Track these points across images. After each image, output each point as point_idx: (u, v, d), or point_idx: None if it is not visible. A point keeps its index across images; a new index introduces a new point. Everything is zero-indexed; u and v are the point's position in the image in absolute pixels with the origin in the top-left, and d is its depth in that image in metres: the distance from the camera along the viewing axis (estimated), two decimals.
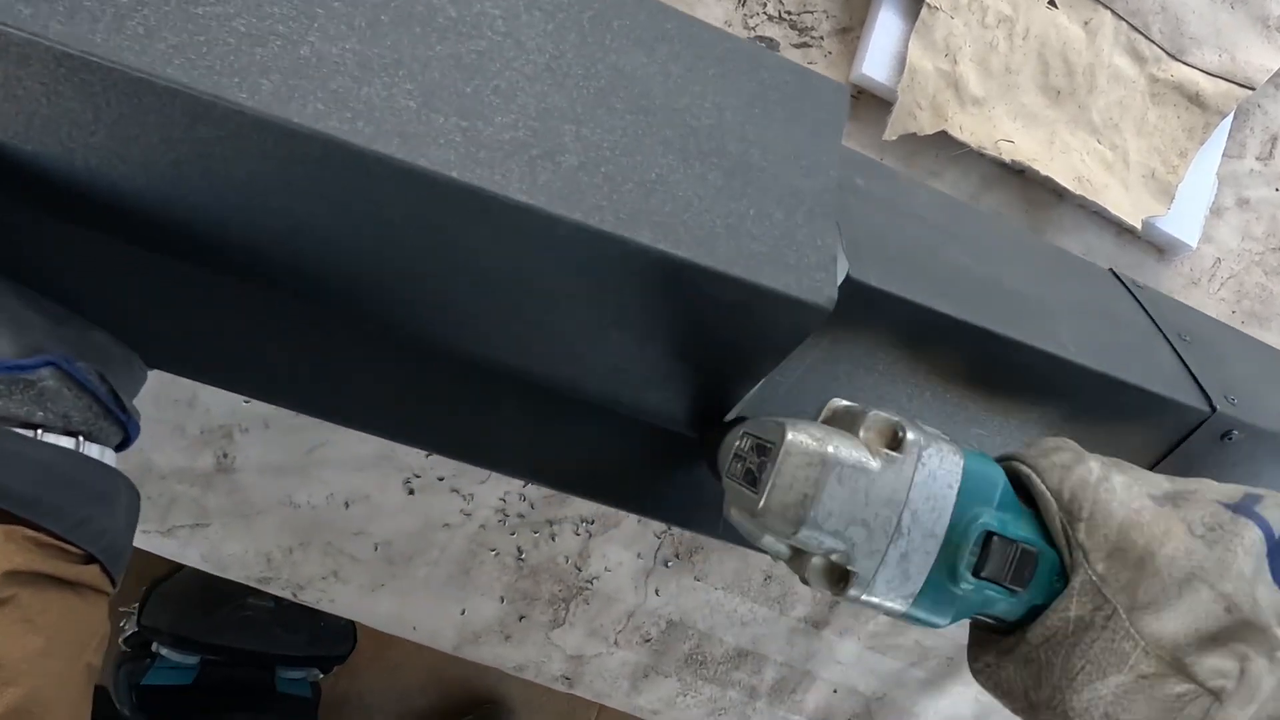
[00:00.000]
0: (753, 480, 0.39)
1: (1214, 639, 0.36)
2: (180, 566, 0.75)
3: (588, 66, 0.42)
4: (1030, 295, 0.54)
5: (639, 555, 0.77)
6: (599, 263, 0.40)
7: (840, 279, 0.44)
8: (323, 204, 0.40)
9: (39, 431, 0.40)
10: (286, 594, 0.70)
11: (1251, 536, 0.38)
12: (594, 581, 0.76)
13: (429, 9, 0.40)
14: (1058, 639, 0.38)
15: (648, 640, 0.78)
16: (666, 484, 0.52)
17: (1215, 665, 0.36)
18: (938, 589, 0.38)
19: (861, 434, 0.40)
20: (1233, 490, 0.41)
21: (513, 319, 0.46)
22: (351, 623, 0.90)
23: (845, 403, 0.42)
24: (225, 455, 0.67)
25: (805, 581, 0.39)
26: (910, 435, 0.39)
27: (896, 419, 0.40)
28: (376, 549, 0.71)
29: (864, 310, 0.47)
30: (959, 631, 0.85)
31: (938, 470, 0.39)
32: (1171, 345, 0.59)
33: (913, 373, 0.51)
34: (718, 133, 0.44)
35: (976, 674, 0.42)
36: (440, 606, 0.73)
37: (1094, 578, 0.38)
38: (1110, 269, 0.69)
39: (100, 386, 0.43)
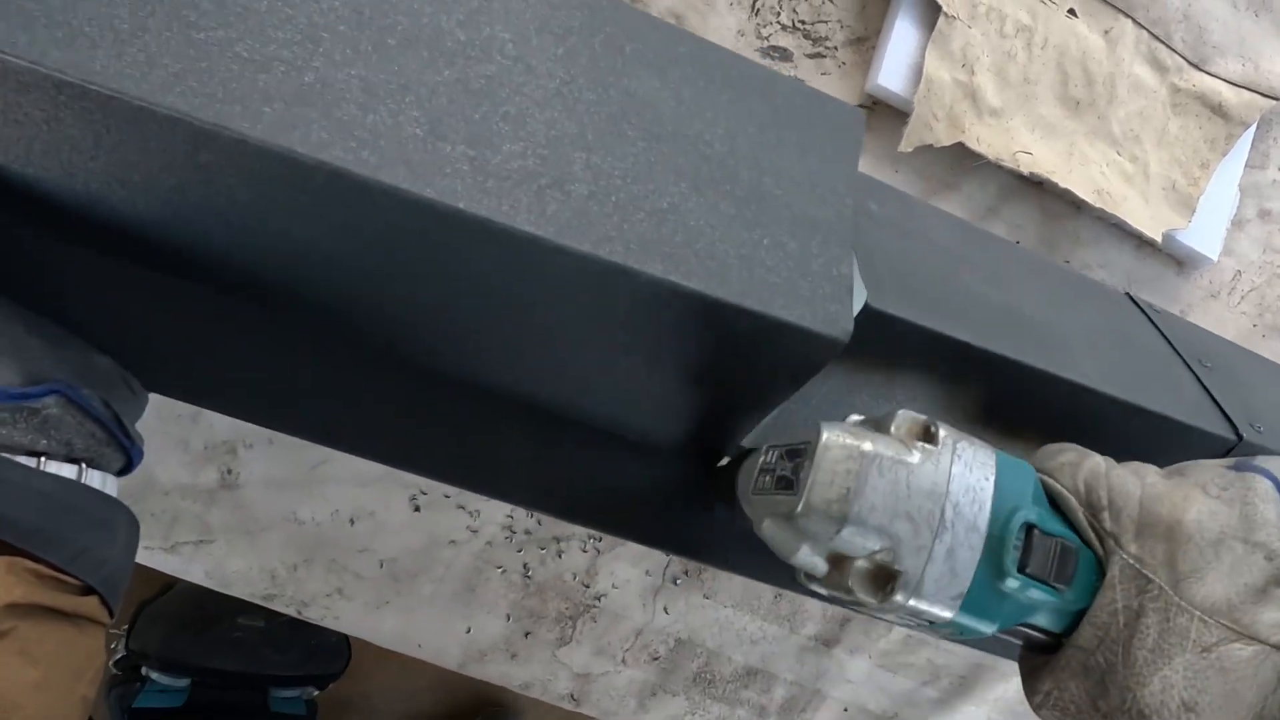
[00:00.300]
0: (788, 485, 0.39)
1: (1263, 591, 0.36)
2: (169, 586, 0.75)
3: (599, 91, 0.41)
4: (1049, 321, 0.53)
5: (647, 572, 0.76)
6: (609, 293, 0.39)
7: (858, 308, 0.43)
8: (327, 230, 0.39)
9: (42, 459, 0.40)
10: (291, 611, 0.69)
11: (1263, 486, 0.38)
12: (601, 599, 0.75)
13: (437, 32, 0.39)
14: (1112, 636, 0.37)
15: (656, 658, 0.77)
16: (673, 514, 0.51)
17: (1273, 619, 0.35)
18: (984, 589, 0.37)
19: (892, 431, 0.39)
20: (1225, 459, 0.41)
21: (520, 345, 0.45)
22: (345, 639, 0.90)
23: (860, 415, 0.42)
24: (229, 471, 0.67)
25: (848, 593, 0.38)
26: (943, 430, 0.39)
27: (925, 416, 0.39)
28: (382, 566, 0.71)
29: (882, 338, 0.46)
30: (971, 650, 0.84)
31: (973, 462, 0.39)
32: (1193, 372, 0.58)
33: (932, 401, 0.50)
34: (731, 159, 0.43)
35: (1039, 709, 0.41)
36: (445, 624, 0.72)
37: (1131, 560, 0.38)
38: (1127, 293, 0.68)
39: (104, 413, 0.42)
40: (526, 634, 0.74)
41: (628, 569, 0.75)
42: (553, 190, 0.38)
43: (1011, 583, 0.37)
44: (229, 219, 0.39)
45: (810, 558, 0.38)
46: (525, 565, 0.73)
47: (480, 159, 0.37)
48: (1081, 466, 0.41)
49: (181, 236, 0.41)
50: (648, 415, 0.49)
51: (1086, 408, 0.51)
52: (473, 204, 0.36)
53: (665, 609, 0.76)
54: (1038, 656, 0.41)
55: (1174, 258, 0.92)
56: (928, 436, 0.39)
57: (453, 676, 1.43)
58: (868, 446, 0.37)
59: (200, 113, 0.34)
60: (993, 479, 0.38)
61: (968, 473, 0.38)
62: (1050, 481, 0.41)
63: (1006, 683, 0.85)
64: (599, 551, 0.74)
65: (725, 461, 0.48)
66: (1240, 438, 0.54)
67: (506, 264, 0.39)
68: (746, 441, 0.48)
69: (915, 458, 0.38)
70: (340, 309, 0.44)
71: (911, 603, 0.37)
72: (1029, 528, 0.38)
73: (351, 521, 0.69)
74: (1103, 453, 0.50)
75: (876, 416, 0.41)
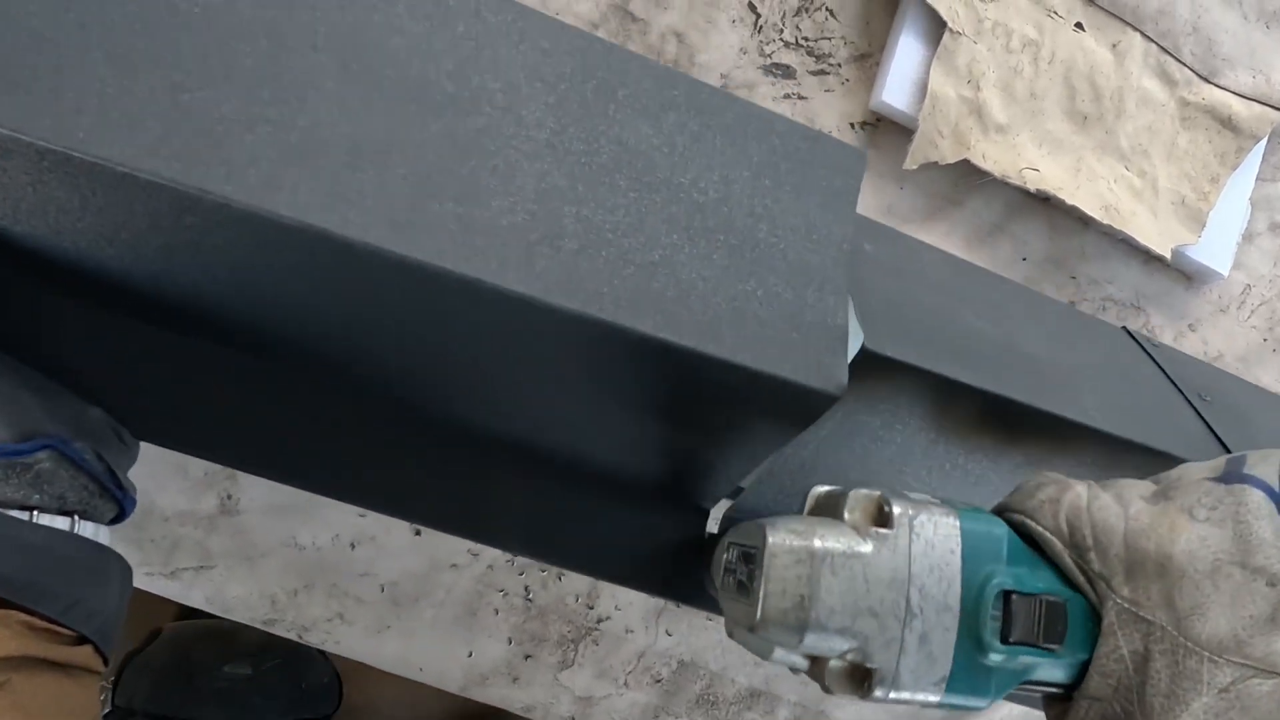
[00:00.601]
0: (745, 592, 0.37)
1: (1271, 620, 0.34)
2: (154, 637, 0.75)
3: (590, 141, 0.41)
4: (1048, 359, 0.52)
5: (649, 595, 0.76)
6: (599, 348, 0.39)
7: (855, 351, 0.43)
8: (315, 288, 0.39)
9: (34, 513, 0.40)
10: (291, 635, 0.69)
11: (1254, 499, 0.36)
12: (603, 622, 0.75)
13: (425, 84, 0.39)
14: (1124, 684, 0.35)
15: (658, 681, 0.77)
16: (668, 561, 0.51)
17: None
18: (969, 667, 0.36)
19: (846, 517, 0.38)
20: (1215, 463, 0.39)
21: (511, 396, 0.45)
22: (336, 678, 0.90)
23: (825, 488, 0.40)
24: (229, 497, 0.67)
25: (828, 690, 0.37)
26: (897, 508, 0.37)
27: (878, 493, 0.38)
28: (383, 590, 0.71)
29: (880, 382, 0.46)
30: None
31: (934, 538, 0.37)
32: (1193, 406, 0.57)
33: (933, 444, 0.50)
34: (724, 207, 0.42)
35: None
36: (447, 648, 0.72)
37: (1125, 604, 0.36)
38: (1124, 327, 0.68)
39: (96, 465, 0.42)
40: (528, 657, 0.74)
41: (629, 592, 0.75)
42: (542, 246, 0.38)
43: (995, 656, 0.35)
44: (217, 276, 0.39)
45: (787, 657, 0.37)
46: (526, 588, 0.73)
47: (468, 216, 0.37)
48: (1062, 503, 0.38)
49: (170, 291, 0.41)
50: (643, 462, 0.48)
51: (1090, 445, 0.50)
52: (460, 264, 0.36)
53: (668, 631, 0.76)
54: (1058, 704, 0.39)
55: (1183, 272, 0.91)
56: (882, 517, 0.37)
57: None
58: (817, 544, 0.36)
59: (184, 177, 0.34)
60: (958, 550, 0.36)
61: (930, 551, 0.36)
62: (1030, 524, 0.39)
63: (999, 710, 0.85)
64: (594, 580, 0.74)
65: (705, 548, 0.48)
66: None
67: (495, 321, 0.38)
68: (745, 484, 0.48)
69: (869, 547, 0.36)
70: (329, 360, 0.44)
71: (893, 695, 0.36)
72: (1007, 594, 0.36)
73: (352, 546, 0.70)
74: None
75: (834, 496, 0.39)
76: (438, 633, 0.72)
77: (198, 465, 0.66)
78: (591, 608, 0.74)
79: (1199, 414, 0.56)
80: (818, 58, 0.79)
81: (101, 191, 0.35)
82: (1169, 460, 0.51)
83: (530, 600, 0.73)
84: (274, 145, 0.36)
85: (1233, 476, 0.37)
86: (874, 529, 0.37)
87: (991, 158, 0.82)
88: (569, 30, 0.43)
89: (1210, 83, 0.91)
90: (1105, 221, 0.84)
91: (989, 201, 0.84)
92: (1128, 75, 0.88)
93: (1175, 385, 0.59)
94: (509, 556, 0.72)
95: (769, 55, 0.78)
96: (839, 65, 0.80)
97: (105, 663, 0.43)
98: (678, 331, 0.38)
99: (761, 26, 0.78)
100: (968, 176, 0.82)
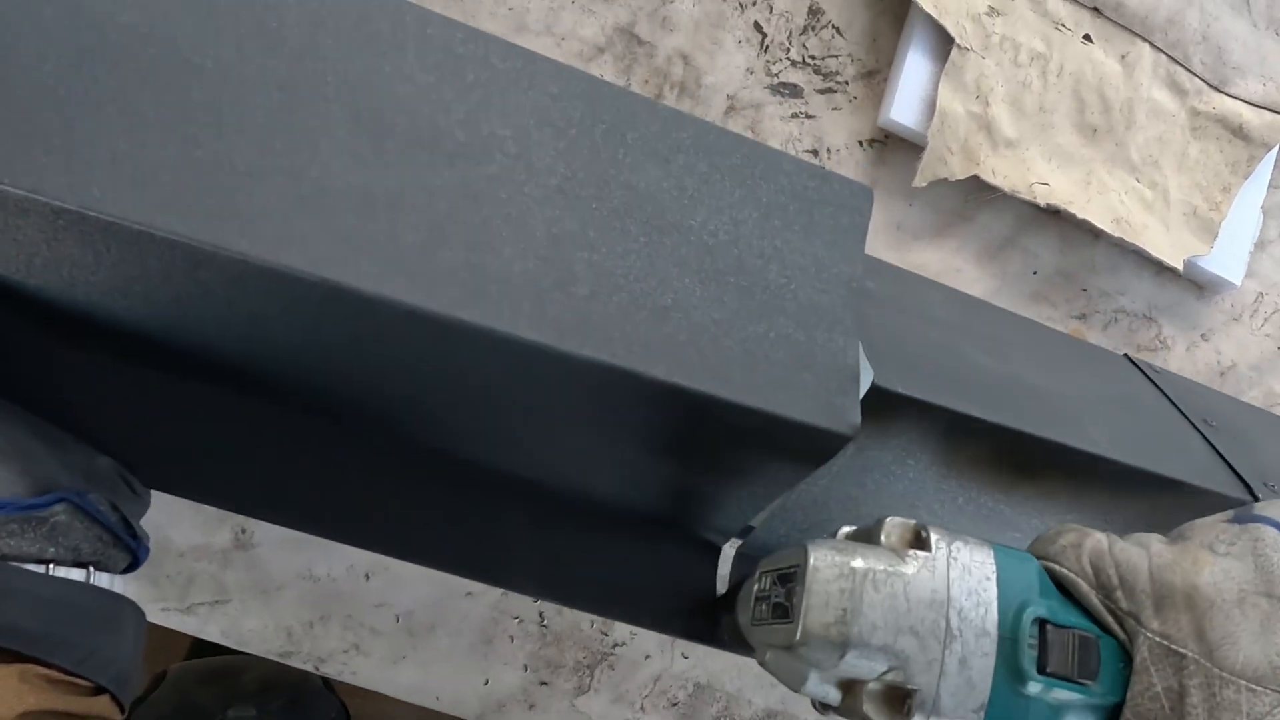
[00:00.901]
0: (783, 613, 0.37)
1: None
2: (159, 681, 0.75)
3: (600, 186, 0.41)
4: (1053, 390, 0.52)
5: None
6: (612, 393, 0.39)
7: (865, 389, 0.43)
8: (328, 337, 0.39)
9: (50, 566, 0.40)
10: (308, 667, 0.69)
11: (1270, 534, 0.37)
12: (619, 646, 0.75)
13: (436, 133, 0.39)
14: None
15: (675, 704, 0.77)
16: (681, 599, 0.51)
17: None
18: (1006, 696, 0.36)
19: (883, 541, 0.38)
20: (1222, 514, 0.40)
21: (525, 441, 0.45)
22: (344, 711, 0.90)
23: (853, 527, 0.41)
24: (243, 531, 0.67)
25: (864, 718, 0.37)
26: (935, 534, 0.37)
27: (914, 521, 0.38)
28: (398, 620, 0.71)
29: (890, 417, 0.46)
30: None
31: (971, 563, 0.37)
32: (1200, 432, 0.57)
33: (944, 479, 0.50)
34: (734, 249, 0.42)
35: None
36: (463, 676, 0.72)
37: (1157, 637, 0.36)
38: (1125, 354, 0.67)
39: (110, 516, 0.43)
40: (544, 684, 0.74)
41: None
42: (554, 293, 0.38)
43: (1034, 685, 0.35)
44: (229, 325, 0.39)
45: (820, 686, 0.37)
46: (541, 615, 0.73)
47: (480, 265, 0.37)
48: (1084, 547, 0.39)
49: (181, 340, 0.41)
50: (656, 502, 0.48)
51: (1098, 475, 0.50)
52: (472, 313, 0.36)
53: (684, 654, 0.76)
54: None
55: (1195, 283, 0.91)
56: (919, 542, 0.37)
57: None
58: (858, 563, 0.36)
59: (198, 233, 0.34)
60: (994, 577, 0.37)
61: (967, 575, 0.36)
62: (1055, 568, 0.39)
63: None
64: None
65: (722, 592, 0.48)
66: (1256, 498, 0.53)
67: (509, 367, 0.38)
68: (756, 522, 0.48)
69: (910, 567, 0.36)
70: (341, 406, 0.44)
71: None
72: (1042, 623, 0.36)
73: (367, 577, 0.70)
74: (1120, 520, 0.49)
75: (866, 527, 0.39)
76: (453, 661, 0.72)
77: None
78: (606, 633, 0.74)
79: (1207, 440, 0.56)
80: (825, 76, 0.79)
81: (115, 248, 0.35)
82: (1179, 487, 0.51)
83: (545, 627, 0.73)
84: (286, 197, 0.36)
85: (1245, 518, 0.38)
86: (911, 551, 0.37)
87: (1001, 173, 0.82)
88: (577, 74, 0.43)
89: (1221, 92, 0.90)
90: (1116, 234, 0.84)
91: (999, 216, 0.84)
92: (1137, 86, 0.87)
93: (1180, 411, 0.59)
94: None
95: (776, 74, 0.78)
96: (846, 83, 0.80)
97: (123, 710, 0.43)
98: (690, 376, 0.38)
99: (768, 46, 0.78)
100: (977, 192, 0.82)
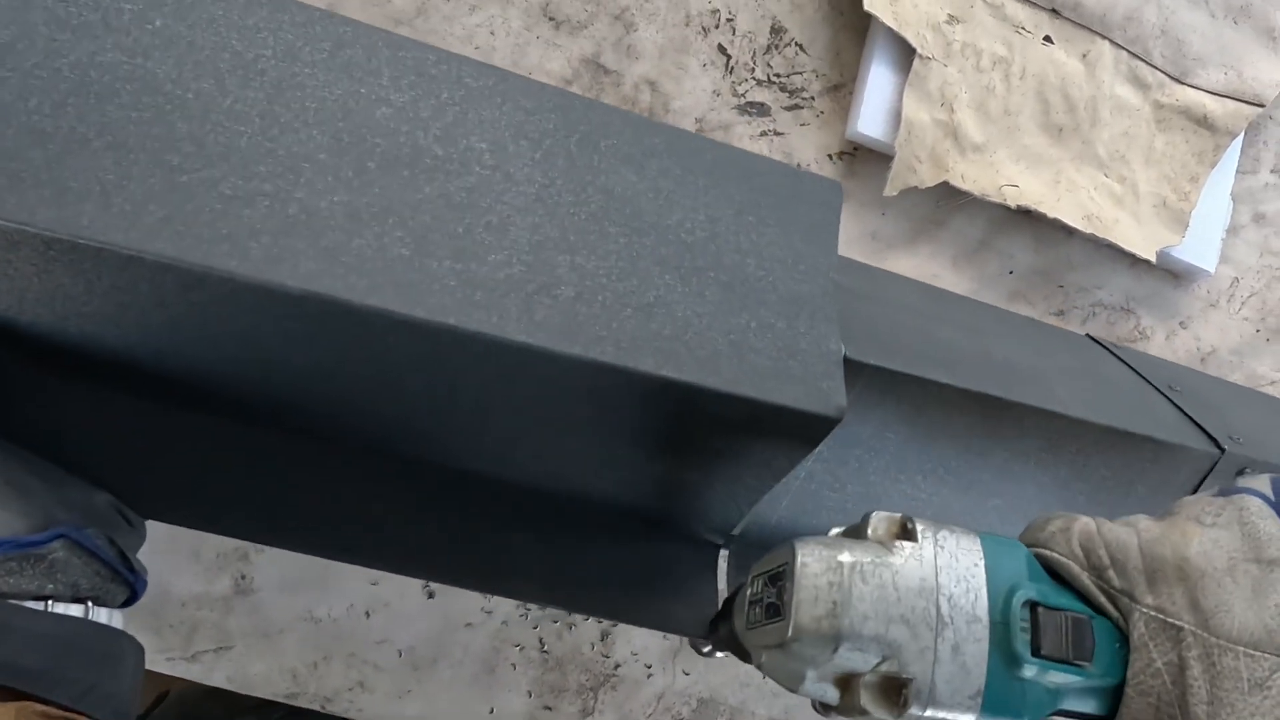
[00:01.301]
0: (775, 612, 0.37)
1: None
2: (161, 699, 0.74)
3: (578, 192, 0.42)
4: (1022, 363, 0.53)
5: (665, 636, 0.76)
6: (604, 391, 0.40)
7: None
8: (323, 352, 0.40)
9: (49, 602, 0.40)
10: (315, 707, 0.69)
11: (1254, 503, 0.37)
12: (620, 667, 0.75)
13: (415, 150, 0.40)
14: (1164, 701, 0.35)
15: None
16: (683, 597, 0.51)
17: None
18: (1002, 681, 0.36)
19: (870, 535, 0.38)
20: (1207, 490, 0.41)
21: (523, 446, 0.46)
22: None
23: (840, 527, 0.41)
24: (243, 577, 0.67)
25: (863, 712, 0.36)
26: (919, 524, 0.38)
27: (899, 513, 0.38)
28: (401, 655, 0.71)
29: (867, 391, 0.47)
30: None
31: (958, 550, 0.37)
32: (1165, 396, 0.58)
33: (924, 453, 0.50)
34: (713, 245, 0.43)
35: None
36: (468, 706, 0.72)
37: (1152, 612, 0.36)
38: (1088, 334, 0.69)
39: (108, 551, 0.43)
40: (548, 708, 0.74)
41: (644, 635, 0.75)
42: (540, 296, 0.39)
43: (1029, 669, 0.35)
44: (223, 348, 0.40)
45: (818, 685, 0.37)
46: (541, 641, 0.73)
47: (467, 272, 0.38)
48: (1072, 530, 0.39)
49: (175, 367, 0.42)
50: (655, 500, 0.49)
51: (1071, 437, 0.51)
52: (463, 319, 0.37)
53: (684, 670, 0.76)
54: None
55: (1170, 272, 0.93)
56: (906, 533, 0.38)
57: None
58: (845, 556, 0.36)
59: (188, 255, 0.35)
60: (982, 563, 0.37)
61: (955, 562, 0.37)
62: (1045, 553, 0.39)
63: None
64: (615, 624, 0.74)
65: (719, 620, 0.48)
66: (1222, 450, 0.54)
67: (501, 371, 0.39)
68: (748, 511, 0.49)
69: (898, 558, 0.36)
70: (337, 425, 0.45)
71: (929, 712, 0.35)
72: (1033, 606, 0.36)
73: (367, 614, 0.70)
74: (1093, 481, 0.50)
75: (853, 525, 0.40)
76: (458, 692, 0.72)
77: (210, 548, 0.67)
78: (608, 655, 0.74)
79: (1172, 402, 0.57)
80: (791, 93, 0.81)
81: (107, 275, 0.36)
82: (1148, 443, 0.52)
83: (546, 652, 0.73)
84: (274, 218, 0.37)
85: (1229, 491, 0.39)
86: (898, 542, 0.37)
87: (970, 178, 0.83)
88: (549, 89, 0.44)
89: (1183, 83, 0.92)
90: (1088, 230, 0.85)
91: (971, 220, 0.86)
92: (1100, 84, 0.89)
93: (1145, 379, 0.60)
94: (522, 610, 0.72)
95: (743, 95, 0.80)
96: (812, 98, 0.81)
97: None
98: (679, 368, 0.39)
99: (733, 67, 0.79)
100: (948, 198, 0.84)
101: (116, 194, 0.35)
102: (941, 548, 0.37)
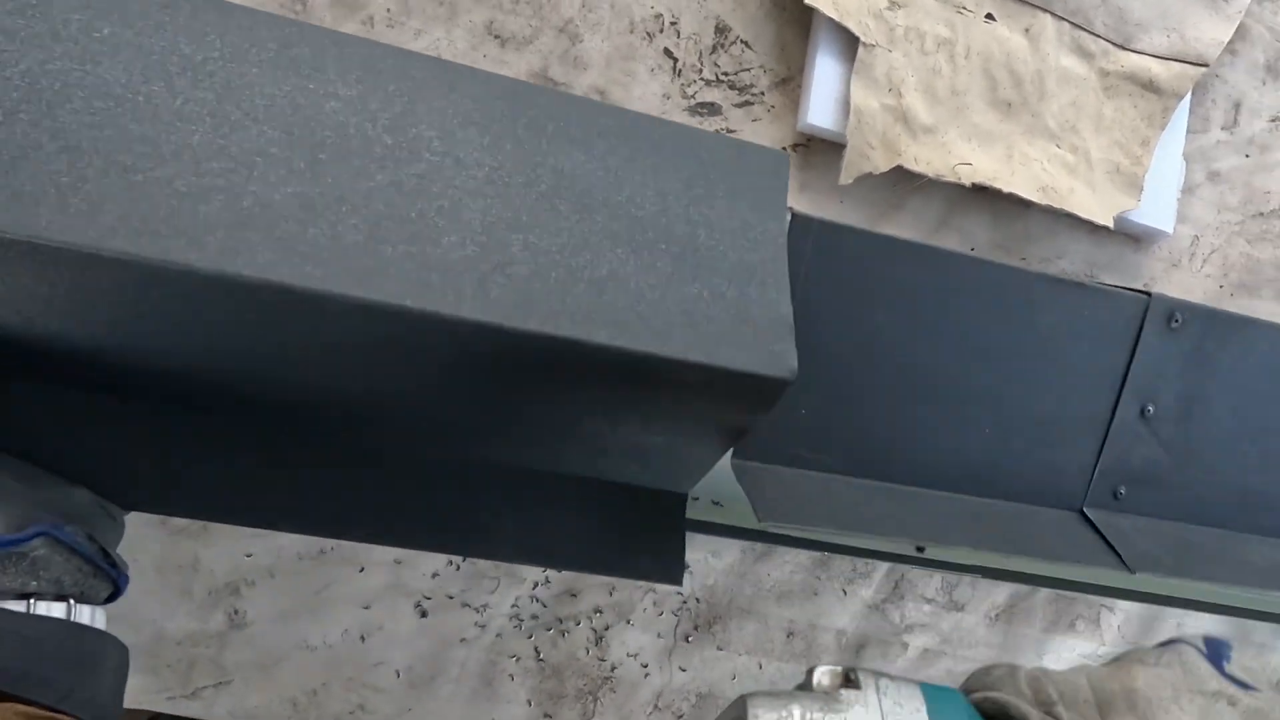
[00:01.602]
0: None
1: None
2: None
3: (528, 173, 0.43)
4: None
5: (659, 635, 0.76)
6: (564, 364, 0.41)
7: None
8: (284, 341, 0.40)
9: (32, 601, 0.41)
10: None
11: (1190, 651, 0.42)
12: (617, 669, 0.75)
13: (365, 140, 0.41)
14: None
15: (679, 717, 0.76)
16: (644, 549, 0.52)
17: None
18: None
19: (815, 687, 0.40)
20: (1148, 646, 0.44)
21: (482, 419, 0.46)
22: None
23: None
24: (236, 611, 0.67)
25: None
26: (862, 673, 0.40)
27: (840, 666, 0.41)
28: (398, 675, 0.71)
29: None
30: (990, 652, 0.84)
31: (901, 697, 0.39)
32: None
33: None
34: (663, 218, 0.44)
35: None
36: None
37: None
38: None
39: (89, 547, 0.44)
40: (547, 716, 0.73)
41: (638, 635, 0.75)
42: (495, 275, 0.39)
43: None
44: (188, 340, 0.41)
45: None
46: (537, 649, 0.73)
47: (421, 255, 0.39)
48: (1019, 673, 0.42)
49: (141, 361, 0.42)
50: (621, 465, 0.50)
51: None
52: (419, 300, 0.38)
53: (681, 667, 0.76)
54: None
55: (1130, 236, 0.94)
56: (849, 682, 0.40)
57: None
58: (796, 709, 0.38)
59: (146, 251, 0.35)
60: (924, 708, 0.39)
61: (899, 708, 0.38)
62: (992, 695, 0.42)
63: None
64: (609, 626, 0.74)
65: None
66: (1149, 294, 0.57)
67: (461, 350, 0.40)
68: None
69: (845, 707, 0.38)
70: (307, 408, 0.45)
71: None
72: None
73: (362, 638, 0.70)
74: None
75: (799, 682, 0.42)
76: (458, 708, 0.72)
77: (200, 586, 0.67)
78: (603, 658, 0.74)
79: None
80: (740, 90, 0.82)
81: (68, 273, 0.36)
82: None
83: (542, 661, 0.73)
84: (229, 211, 0.37)
85: (1167, 644, 0.43)
86: (843, 691, 0.39)
87: (924, 160, 0.85)
88: (495, 77, 0.45)
89: (1127, 49, 0.94)
90: (1044, 202, 0.87)
91: (929, 201, 0.87)
92: (1045, 57, 0.91)
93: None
94: (515, 621, 0.72)
95: (693, 96, 0.81)
96: (762, 94, 0.83)
97: None
98: (633, 338, 0.40)
99: (680, 69, 0.81)
100: (904, 181, 0.85)
101: (72, 194, 0.36)
102: (884, 695, 0.39)
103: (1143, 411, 0.61)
